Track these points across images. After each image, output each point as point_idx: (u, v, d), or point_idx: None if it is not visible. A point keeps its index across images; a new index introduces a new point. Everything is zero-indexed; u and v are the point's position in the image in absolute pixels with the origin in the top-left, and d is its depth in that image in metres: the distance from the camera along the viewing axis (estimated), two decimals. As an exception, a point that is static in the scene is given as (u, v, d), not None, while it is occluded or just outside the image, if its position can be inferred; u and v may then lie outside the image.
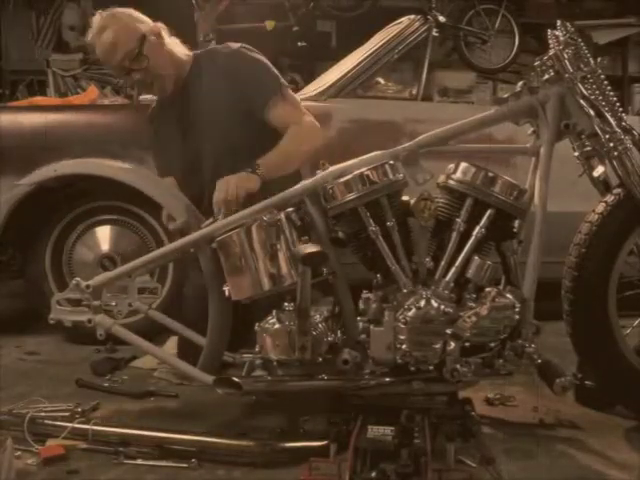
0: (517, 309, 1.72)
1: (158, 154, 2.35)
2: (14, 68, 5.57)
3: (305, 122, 2.12)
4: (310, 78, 3.51)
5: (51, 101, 3.99)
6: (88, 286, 1.92)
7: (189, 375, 1.90)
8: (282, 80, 2.16)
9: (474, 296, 1.75)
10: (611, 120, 1.83)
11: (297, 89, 3.16)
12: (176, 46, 2.20)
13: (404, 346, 1.70)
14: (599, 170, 1.89)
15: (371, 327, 1.74)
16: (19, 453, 1.71)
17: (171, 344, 2.28)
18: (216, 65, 2.15)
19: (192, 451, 1.70)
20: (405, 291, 1.75)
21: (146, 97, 3.63)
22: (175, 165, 2.26)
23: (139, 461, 1.69)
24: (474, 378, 1.75)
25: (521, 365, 1.74)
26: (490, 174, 1.77)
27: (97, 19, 2.10)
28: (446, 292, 1.75)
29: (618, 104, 1.89)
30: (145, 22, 2.14)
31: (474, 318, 1.68)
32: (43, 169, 2.72)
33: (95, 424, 1.80)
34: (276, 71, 2.18)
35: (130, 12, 2.14)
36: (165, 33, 2.17)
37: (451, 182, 1.80)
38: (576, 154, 1.90)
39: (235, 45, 2.17)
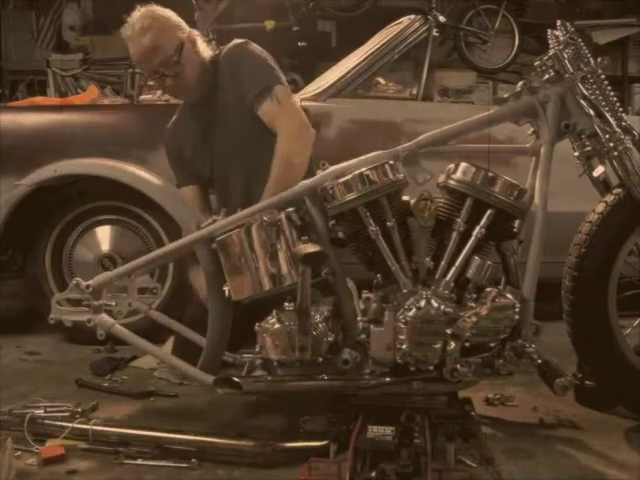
0: (517, 309, 1.72)
1: (181, 164, 2.28)
2: (14, 68, 5.58)
3: (290, 129, 2.03)
4: (310, 78, 3.51)
5: (51, 101, 4.00)
6: (88, 286, 1.92)
7: (189, 375, 1.90)
8: (280, 77, 2.09)
9: (474, 296, 1.75)
10: (611, 120, 1.83)
11: (297, 89, 3.16)
12: (205, 52, 2.17)
13: (404, 346, 1.70)
14: (599, 170, 1.89)
15: (371, 327, 1.74)
16: (19, 453, 1.71)
17: (171, 344, 2.28)
18: (226, 63, 2.14)
19: (192, 451, 1.71)
20: (405, 291, 1.75)
21: (146, 97, 3.65)
22: (204, 171, 2.24)
23: (139, 461, 1.70)
24: (474, 378, 1.75)
25: (521, 365, 1.74)
26: (490, 174, 1.77)
27: (137, 18, 2.06)
28: (446, 292, 1.75)
29: (618, 104, 1.89)
30: (183, 28, 2.11)
31: (474, 318, 1.68)
32: (43, 169, 2.73)
33: (95, 424, 1.81)
34: (276, 67, 2.12)
35: (170, 15, 2.11)
36: (199, 40, 2.16)
37: (451, 182, 1.80)
38: (576, 154, 1.90)
39: (238, 40, 2.16)
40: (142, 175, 2.72)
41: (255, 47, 2.15)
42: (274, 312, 1.76)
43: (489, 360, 1.74)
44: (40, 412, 1.90)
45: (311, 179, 1.82)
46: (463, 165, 1.80)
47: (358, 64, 2.95)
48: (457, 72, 5.39)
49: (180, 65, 2.07)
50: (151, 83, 2.25)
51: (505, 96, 1.92)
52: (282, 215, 1.75)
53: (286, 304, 1.75)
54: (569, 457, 1.74)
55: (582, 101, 1.83)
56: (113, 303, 1.96)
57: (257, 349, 1.79)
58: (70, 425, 1.80)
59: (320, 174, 1.81)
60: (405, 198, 1.83)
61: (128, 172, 2.72)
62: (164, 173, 2.72)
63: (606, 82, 1.89)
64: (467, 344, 1.71)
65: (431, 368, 1.72)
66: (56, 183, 2.78)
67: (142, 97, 3.79)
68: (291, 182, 1.87)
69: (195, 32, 2.16)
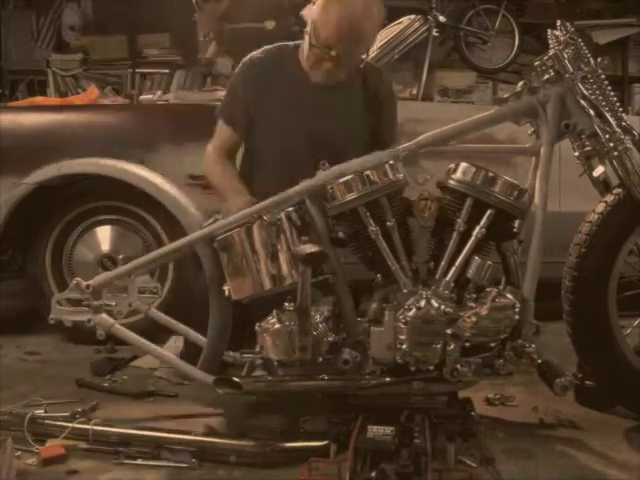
0: (517, 309, 1.72)
1: (245, 106, 2.06)
2: (14, 68, 5.57)
3: None
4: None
5: (51, 101, 3.99)
6: (88, 286, 1.92)
7: (189, 375, 1.90)
8: None
9: (474, 296, 1.75)
10: (611, 120, 1.83)
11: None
12: None
13: (404, 346, 1.70)
14: (599, 170, 1.89)
15: (371, 327, 1.74)
16: (19, 453, 1.71)
17: (171, 344, 2.28)
18: (374, 77, 2.13)
19: (192, 451, 1.70)
20: (405, 291, 1.75)
21: (146, 97, 3.65)
22: (276, 136, 2.07)
23: (139, 461, 1.70)
24: (474, 378, 1.75)
25: (521, 365, 1.74)
26: (490, 174, 1.78)
27: None
28: (446, 292, 1.75)
29: (618, 104, 1.90)
30: None
31: (474, 318, 1.68)
32: (46, 169, 2.72)
33: (95, 424, 1.80)
34: None
35: None
36: None
37: (451, 182, 1.80)
38: (576, 154, 1.90)
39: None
40: (146, 175, 2.72)
41: None
42: (274, 312, 1.76)
43: (489, 360, 1.74)
44: (40, 412, 1.90)
45: (311, 179, 1.82)
46: (463, 165, 1.80)
47: (358, 64, 2.94)
48: (457, 72, 5.38)
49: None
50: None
51: (505, 96, 1.92)
52: (282, 215, 1.75)
53: (286, 304, 1.76)
54: (569, 457, 1.74)
55: (582, 101, 1.83)
56: (113, 303, 1.96)
57: (257, 349, 1.80)
58: (70, 425, 1.80)
59: (320, 174, 1.81)
60: (405, 198, 1.83)
61: (132, 172, 2.72)
62: (164, 173, 2.73)
63: (606, 82, 1.89)
64: (467, 344, 1.71)
65: (431, 368, 1.72)
66: (58, 182, 2.78)
67: (142, 97, 3.79)
68: None
69: None
